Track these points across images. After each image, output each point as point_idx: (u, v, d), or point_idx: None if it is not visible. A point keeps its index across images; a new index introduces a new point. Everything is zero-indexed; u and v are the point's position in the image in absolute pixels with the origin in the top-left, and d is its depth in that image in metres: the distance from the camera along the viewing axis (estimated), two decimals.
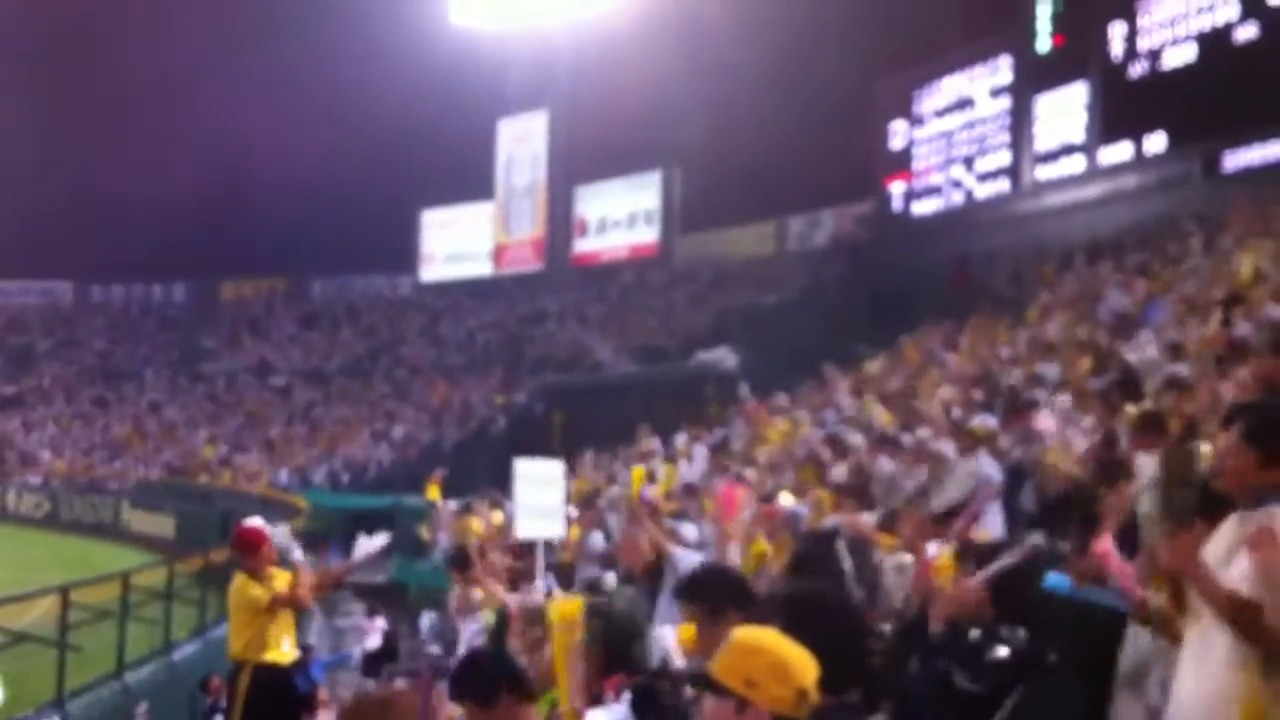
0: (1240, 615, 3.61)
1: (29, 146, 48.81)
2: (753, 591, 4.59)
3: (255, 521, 9.03)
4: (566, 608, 4.70)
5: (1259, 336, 9.18)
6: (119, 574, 12.86)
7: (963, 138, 32.03)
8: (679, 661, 6.02)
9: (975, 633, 5.11)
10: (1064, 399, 11.43)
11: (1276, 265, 13.74)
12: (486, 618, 10.14)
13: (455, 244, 48.96)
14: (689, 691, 4.28)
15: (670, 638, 6.31)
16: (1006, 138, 30.66)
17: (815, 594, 4.06)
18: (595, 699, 4.37)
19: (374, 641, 16.21)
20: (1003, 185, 30.77)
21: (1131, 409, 8.05)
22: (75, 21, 48.76)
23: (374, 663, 15.78)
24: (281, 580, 8.67)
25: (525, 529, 9.90)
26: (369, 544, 9.51)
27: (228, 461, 38.62)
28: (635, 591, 6.94)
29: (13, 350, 51.36)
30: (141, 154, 48.35)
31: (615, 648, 4.55)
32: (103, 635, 11.84)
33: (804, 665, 3.08)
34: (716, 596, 4.65)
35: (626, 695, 4.36)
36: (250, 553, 8.59)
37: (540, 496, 9.84)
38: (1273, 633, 3.53)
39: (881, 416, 15.31)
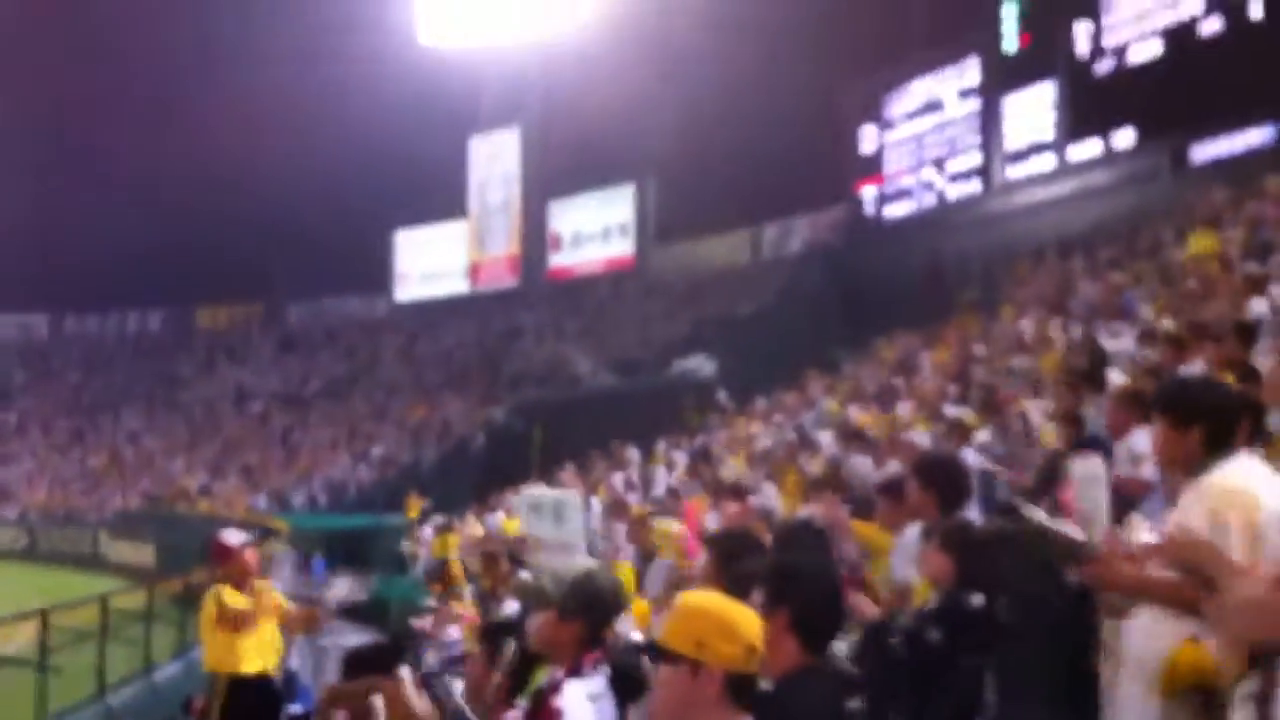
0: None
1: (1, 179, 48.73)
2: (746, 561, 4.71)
3: (230, 533, 8.83)
4: None
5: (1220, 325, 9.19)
6: (98, 597, 12.74)
7: (933, 140, 32.10)
8: (636, 636, 6.11)
9: (932, 599, 5.22)
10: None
11: (1242, 252, 13.74)
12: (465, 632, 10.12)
13: (430, 263, 48.93)
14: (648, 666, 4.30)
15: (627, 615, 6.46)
16: (977, 138, 30.75)
17: (795, 564, 4.18)
18: (575, 671, 4.46)
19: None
20: (974, 186, 30.86)
21: (1115, 385, 8.12)
22: (49, 47, 48.56)
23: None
24: (263, 595, 8.48)
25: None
26: (340, 590, 9.46)
27: (207, 489, 38.40)
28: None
29: None
30: (113, 181, 48.25)
31: (598, 622, 4.62)
32: (84, 659, 11.78)
33: (749, 621, 3.12)
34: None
35: (605, 669, 4.46)
36: (226, 562, 8.43)
37: (554, 529, 9.31)
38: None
39: (858, 418, 15.29)
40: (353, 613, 20.62)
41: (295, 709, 9.18)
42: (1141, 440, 6.47)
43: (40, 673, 10.49)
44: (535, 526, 9.38)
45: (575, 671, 4.48)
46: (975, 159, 30.75)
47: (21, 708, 10.26)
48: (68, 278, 50.30)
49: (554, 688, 4.49)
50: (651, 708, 3.52)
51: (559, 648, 4.63)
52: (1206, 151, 24.62)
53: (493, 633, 5.22)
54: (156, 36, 48.46)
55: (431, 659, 12.09)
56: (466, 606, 11.72)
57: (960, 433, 10.71)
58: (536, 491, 10.03)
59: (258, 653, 8.38)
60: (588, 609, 4.60)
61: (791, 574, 3.88)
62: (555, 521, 9.46)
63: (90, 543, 35.39)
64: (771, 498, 10.77)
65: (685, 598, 3.32)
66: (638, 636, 5.69)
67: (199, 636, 9.01)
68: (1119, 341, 12.27)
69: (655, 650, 3.21)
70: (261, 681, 8.39)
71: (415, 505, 27.19)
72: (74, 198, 49.17)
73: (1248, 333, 8.10)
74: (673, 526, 8.94)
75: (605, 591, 4.75)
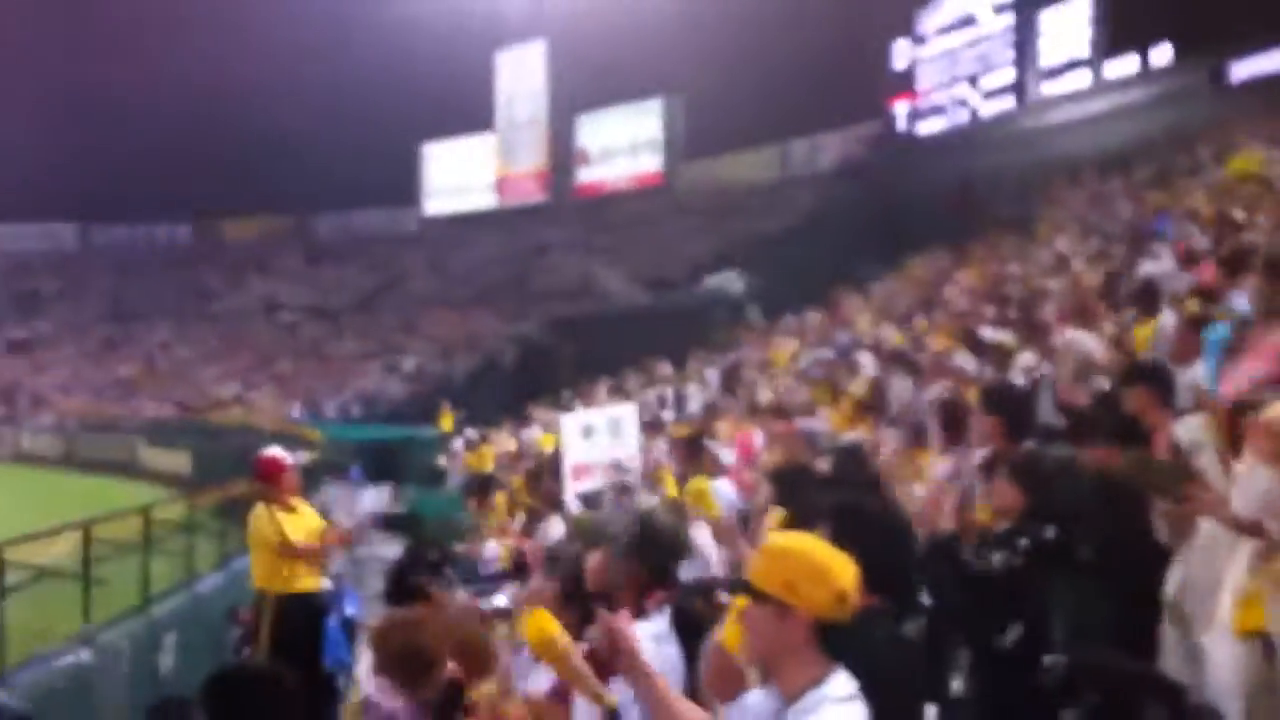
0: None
1: (27, 90, 48.67)
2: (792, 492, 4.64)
3: (274, 450, 9.01)
4: None
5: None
6: (140, 509, 12.82)
7: (967, 55, 31.78)
8: (716, 568, 6.04)
9: (1002, 526, 5.16)
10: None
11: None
12: (502, 551, 10.13)
13: (458, 177, 48.81)
14: (725, 600, 4.25)
15: (707, 540, 6.22)
16: (1011, 54, 30.42)
17: (862, 504, 4.08)
18: (639, 613, 4.24)
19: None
20: (1008, 102, 30.58)
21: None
22: None
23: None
24: (303, 515, 8.69)
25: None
26: (371, 502, 9.50)
27: (240, 398, 38.71)
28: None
29: (19, 294, 51.31)
30: (142, 95, 48.19)
31: (656, 562, 4.44)
32: (126, 571, 11.80)
33: (842, 567, 2.97)
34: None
35: (667, 610, 4.30)
36: (271, 481, 8.63)
37: (609, 447, 9.34)
38: None
39: (893, 337, 15.32)
40: (389, 524, 20.96)
41: (348, 610, 9.26)
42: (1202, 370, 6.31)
43: (85, 584, 10.46)
44: (583, 450, 9.28)
45: (639, 613, 4.23)
46: (1009, 75, 30.46)
47: (68, 618, 10.03)
48: (94, 188, 50.27)
49: None
50: (711, 647, 3.49)
51: (618, 589, 4.43)
52: (1245, 69, 24.37)
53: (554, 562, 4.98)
54: None
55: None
56: (505, 524, 11.64)
57: (1001, 356, 10.56)
58: (585, 413, 9.85)
59: (306, 571, 8.55)
60: (647, 548, 4.40)
61: (852, 514, 3.80)
62: (611, 438, 9.47)
63: (127, 451, 35.68)
64: (819, 420, 10.72)
65: (776, 538, 3.20)
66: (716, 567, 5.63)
67: (246, 550, 9.09)
68: (1159, 264, 12.20)
69: (743, 586, 3.07)
70: (309, 597, 8.52)
71: (448, 418, 27.28)
72: (98, 109, 49.15)
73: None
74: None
75: (665, 530, 4.54)
